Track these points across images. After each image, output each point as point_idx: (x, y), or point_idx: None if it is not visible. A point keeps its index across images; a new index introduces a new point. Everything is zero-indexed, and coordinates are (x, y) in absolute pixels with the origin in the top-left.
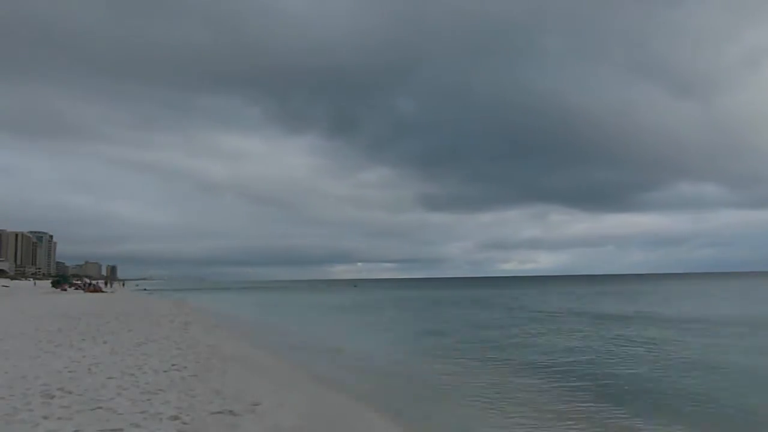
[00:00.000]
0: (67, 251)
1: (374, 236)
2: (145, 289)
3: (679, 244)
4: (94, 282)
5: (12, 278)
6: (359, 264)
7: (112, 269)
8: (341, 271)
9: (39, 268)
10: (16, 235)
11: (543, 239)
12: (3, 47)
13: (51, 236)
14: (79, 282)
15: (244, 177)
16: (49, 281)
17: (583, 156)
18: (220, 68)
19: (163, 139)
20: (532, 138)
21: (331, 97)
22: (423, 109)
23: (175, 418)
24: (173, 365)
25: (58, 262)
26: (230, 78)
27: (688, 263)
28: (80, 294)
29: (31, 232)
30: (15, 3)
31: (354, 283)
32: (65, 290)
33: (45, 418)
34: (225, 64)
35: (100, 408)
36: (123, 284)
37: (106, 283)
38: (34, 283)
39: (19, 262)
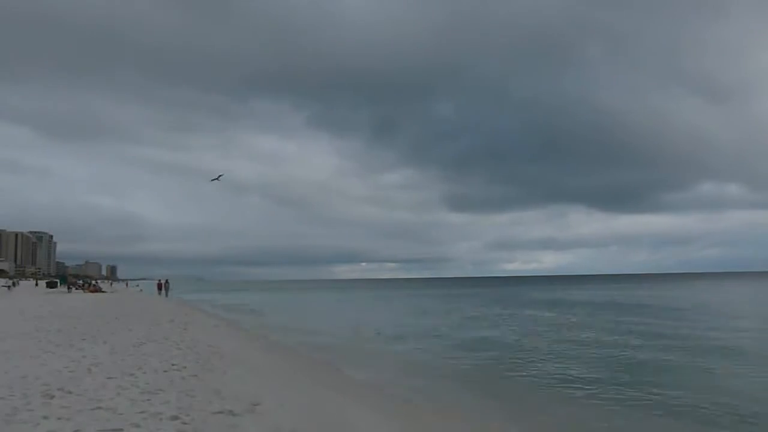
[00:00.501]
0: (67, 251)
1: (386, 237)
2: (141, 289)
3: (692, 244)
4: (94, 282)
5: (12, 278)
6: (363, 264)
7: (112, 269)
8: (344, 271)
9: (39, 268)
10: (16, 235)
11: (555, 239)
12: (43, 50)
13: (51, 236)
14: (79, 282)
15: (273, 178)
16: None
17: (613, 158)
18: (266, 73)
19: (200, 141)
20: (566, 140)
21: (372, 101)
22: (461, 113)
23: (175, 418)
24: (173, 365)
25: (58, 262)
26: (274, 82)
27: (696, 263)
28: (80, 294)
29: (31, 232)
30: (56, 7)
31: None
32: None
33: (45, 418)
34: (272, 68)
35: (100, 408)
36: (165, 289)
37: (160, 288)
38: (10, 287)
39: (19, 262)
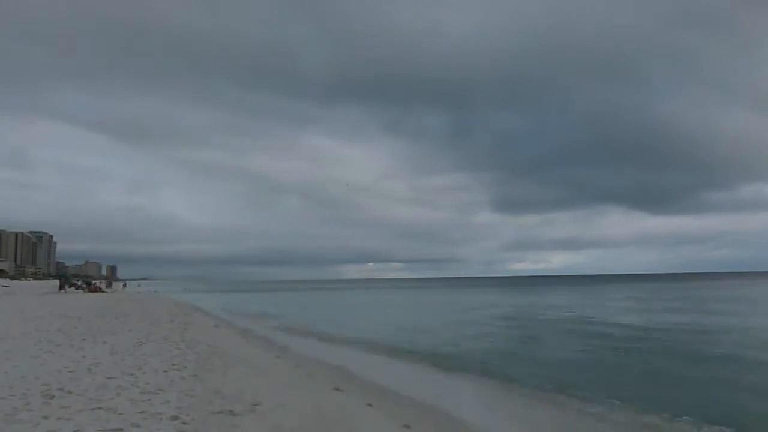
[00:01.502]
0: (67, 251)
1: (402, 237)
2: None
3: (707, 243)
4: (95, 282)
5: (12, 278)
6: (370, 264)
7: (113, 269)
8: (350, 271)
9: (39, 268)
10: (16, 235)
11: (576, 239)
12: (108, 54)
13: (51, 236)
14: (78, 282)
15: (316, 180)
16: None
17: (663, 162)
18: (345, 80)
19: (258, 143)
20: (620, 147)
21: (441, 108)
22: (524, 122)
23: (175, 418)
24: (173, 365)
25: (58, 262)
26: (350, 89)
27: (706, 263)
28: (80, 294)
29: (31, 232)
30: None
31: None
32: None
33: (45, 418)
34: (354, 75)
35: (100, 408)
36: None
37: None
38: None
39: (19, 262)
